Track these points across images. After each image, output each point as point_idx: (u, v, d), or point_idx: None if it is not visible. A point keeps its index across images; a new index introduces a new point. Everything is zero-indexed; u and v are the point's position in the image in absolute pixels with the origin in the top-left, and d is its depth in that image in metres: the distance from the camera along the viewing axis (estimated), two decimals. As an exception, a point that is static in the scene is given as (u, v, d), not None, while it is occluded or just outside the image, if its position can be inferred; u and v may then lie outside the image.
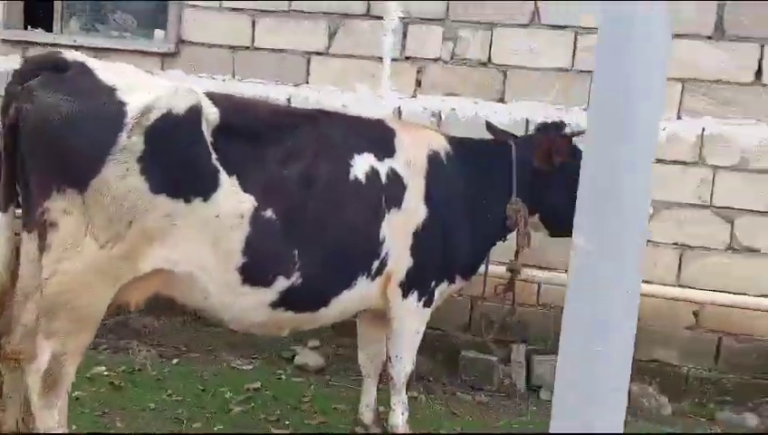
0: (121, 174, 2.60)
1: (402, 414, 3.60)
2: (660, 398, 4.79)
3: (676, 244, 4.82)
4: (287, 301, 3.00)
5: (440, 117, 5.00)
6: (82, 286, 2.65)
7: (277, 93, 5.20)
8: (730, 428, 4.55)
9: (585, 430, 1.52)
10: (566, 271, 4.67)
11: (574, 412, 1.56)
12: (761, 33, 4.56)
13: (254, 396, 4.29)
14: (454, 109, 4.96)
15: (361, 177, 3.14)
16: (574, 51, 4.80)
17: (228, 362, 4.87)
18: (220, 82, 5.20)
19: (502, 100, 4.90)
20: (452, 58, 4.95)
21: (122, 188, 2.60)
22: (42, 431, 2.73)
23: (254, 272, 2.87)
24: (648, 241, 4.79)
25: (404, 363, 3.55)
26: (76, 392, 3.70)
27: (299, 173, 2.98)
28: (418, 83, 5.02)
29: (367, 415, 3.78)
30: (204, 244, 2.78)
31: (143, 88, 2.70)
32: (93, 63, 2.73)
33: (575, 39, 4.79)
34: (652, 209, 4.76)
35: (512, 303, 4.09)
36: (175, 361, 4.76)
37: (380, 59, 5.04)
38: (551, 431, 1.62)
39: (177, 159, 2.70)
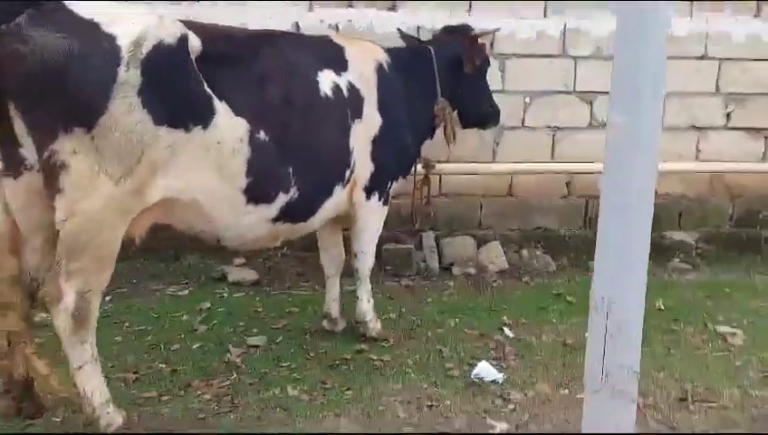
0: (127, 109, 2.64)
1: (368, 302, 4.07)
2: (546, 257, 5.71)
3: (548, 126, 5.61)
4: (286, 214, 3.26)
5: (337, 29, 5.22)
6: (101, 224, 2.72)
7: (171, 10, 5.04)
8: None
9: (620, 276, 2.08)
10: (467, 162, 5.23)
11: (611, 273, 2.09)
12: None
13: (209, 315, 4.47)
14: (350, 20, 5.20)
15: (329, 92, 3.40)
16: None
17: (162, 290, 4.93)
18: None
19: (393, 9, 5.23)
20: (343, -29, 5.14)
21: (130, 123, 2.66)
22: (77, 366, 2.81)
23: (257, 191, 3.09)
24: (526, 126, 5.57)
25: (368, 257, 3.99)
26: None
27: (279, 94, 3.18)
28: (313, -6, 5.17)
29: (334, 307, 4.18)
30: (208, 170, 2.93)
31: (125, 20, 2.71)
32: None
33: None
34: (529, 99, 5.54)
35: (427, 196, 4.65)
36: (108, 297, 4.73)
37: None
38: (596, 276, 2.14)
39: (173, 89, 2.78)
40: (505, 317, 4.47)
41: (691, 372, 3.73)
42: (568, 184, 5.76)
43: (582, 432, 2.29)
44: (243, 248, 3.85)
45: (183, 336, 4.09)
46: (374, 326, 4.05)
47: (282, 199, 3.20)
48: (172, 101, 2.76)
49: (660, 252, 5.84)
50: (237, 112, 2.98)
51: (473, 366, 3.70)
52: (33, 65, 2.50)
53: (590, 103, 5.61)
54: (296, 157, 3.20)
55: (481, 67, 4.17)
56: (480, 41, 4.18)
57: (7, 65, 2.51)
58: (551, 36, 5.44)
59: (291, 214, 3.29)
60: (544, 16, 5.42)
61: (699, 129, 5.75)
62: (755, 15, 5.58)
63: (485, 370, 3.62)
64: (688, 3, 5.51)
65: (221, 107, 2.92)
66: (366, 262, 3.99)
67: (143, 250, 4.93)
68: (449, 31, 4.33)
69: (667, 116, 5.66)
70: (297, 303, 4.70)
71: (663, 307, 4.72)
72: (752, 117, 5.76)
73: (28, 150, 2.68)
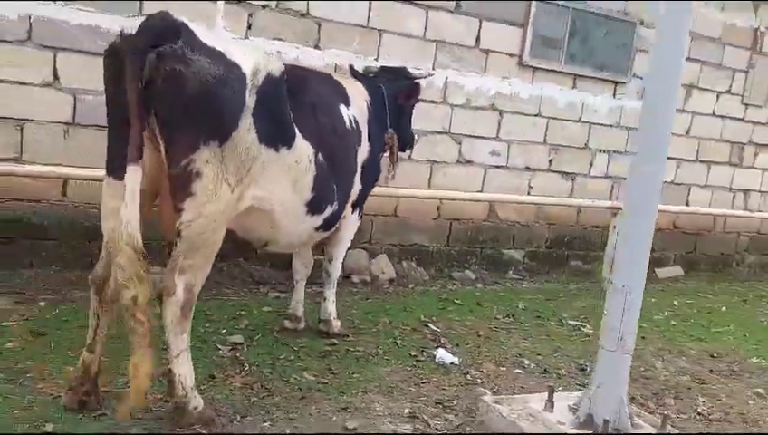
0: (248, 127, 3.10)
1: (333, 303, 4.71)
2: (419, 269, 6.80)
3: (428, 160, 6.74)
4: (324, 224, 3.85)
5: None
6: (216, 225, 3.10)
7: (109, 23, 5.13)
8: (462, 281, 6.84)
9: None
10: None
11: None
12: (479, 10, 6.63)
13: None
14: (279, 51, 5.76)
15: (347, 123, 4.06)
16: (369, 11, 6.10)
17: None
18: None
19: (317, 46, 5.92)
20: (276, 6, 5.70)
21: (248, 140, 3.11)
22: (176, 353, 3.09)
23: (315, 204, 3.65)
24: (411, 159, 6.62)
25: (340, 263, 4.65)
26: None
27: (326, 122, 3.78)
28: (249, 27, 5.64)
29: (299, 308, 4.72)
30: (286, 184, 3.43)
31: (240, 51, 3.15)
32: (192, 25, 3.04)
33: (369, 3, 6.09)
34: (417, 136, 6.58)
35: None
36: (64, 306, 4.65)
37: (214, 0, 5.45)
38: (617, 273, 3.25)
39: (274, 114, 3.27)
40: (421, 316, 5.42)
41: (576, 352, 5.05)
42: (438, 208, 6.93)
43: (596, 383, 3.35)
44: (280, 251, 4.23)
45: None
46: (336, 324, 4.69)
47: (328, 211, 3.79)
48: (271, 124, 3.24)
49: (500, 265, 7.34)
50: (305, 137, 3.53)
51: (430, 352, 4.57)
52: (193, 85, 2.84)
53: (460, 143, 6.87)
54: (337, 176, 3.82)
55: (414, 102, 5.04)
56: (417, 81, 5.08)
57: (168, 83, 2.81)
58: (437, 86, 6.58)
59: (327, 224, 3.89)
60: (433, 69, 6.54)
61: (532, 169, 7.36)
62: (572, 87, 7.37)
63: (444, 355, 4.52)
64: (530, 73, 7.08)
65: (297, 131, 3.46)
66: (338, 267, 4.65)
67: (53, 259, 5.01)
68: (387, 71, 5.09)
69: (509, 159, 7.19)
70: (241, 307, 5.09)
71: (524, 307, 6.07)
72: (564, 163, 7.55)
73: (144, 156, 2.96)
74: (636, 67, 7.67)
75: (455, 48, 6.61)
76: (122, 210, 2.83)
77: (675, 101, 3.24)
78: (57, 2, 4.98)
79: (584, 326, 5.70)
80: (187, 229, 3.00)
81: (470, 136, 6.91)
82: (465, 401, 3.87)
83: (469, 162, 6.97)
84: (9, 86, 4.96)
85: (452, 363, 4.45)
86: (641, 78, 7.75)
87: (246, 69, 3.08)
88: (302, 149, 3.48)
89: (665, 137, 3.19)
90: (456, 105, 6.76)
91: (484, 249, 7.25)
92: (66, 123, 5.18)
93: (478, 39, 6.72)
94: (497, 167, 7.14)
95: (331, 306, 4.69)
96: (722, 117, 8.54)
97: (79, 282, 5.09)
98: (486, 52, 6.78)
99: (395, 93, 4.86)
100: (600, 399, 3.29)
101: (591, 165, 7.75)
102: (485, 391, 4.05)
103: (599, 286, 7.18)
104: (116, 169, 2.96)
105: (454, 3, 6.49)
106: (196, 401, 3.18)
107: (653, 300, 7.00)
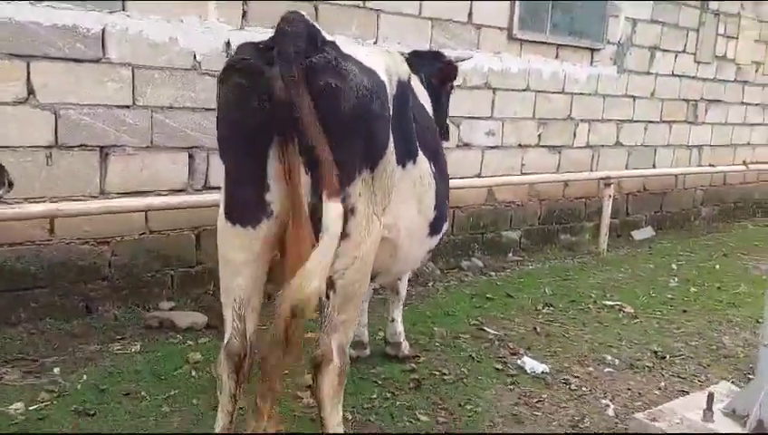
0: (391, 148, 2.55)
1: (402, 323, 4.23)
2: (429, 264, 6.38)
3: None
4: (436, 246, 3.33)
5: (266, 50, 5.04)
6: (369, 269, 2.56)
7: (89, 22, 4.26)
8: (472, 270, 6.52)
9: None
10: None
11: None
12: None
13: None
14: (278, 42, 5.07)
15: (432, 121, 3.53)
16: None
17: (106, 349, 4.16)
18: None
19: (316, 33, 5.27)
20: (271, -10, 5.00)
21: (392, 160, 2.58)
22: (332, 429, 2.55)
23: (437, 223, 3.13)
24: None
25: (407, 280, 4.16)
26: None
27: (424, 125, 3.24)
28: (244, 15, 4.91)
29: (364, 334, 4.18)
30: (412, 205, 2.91)
31: (367, 53, 2.59)
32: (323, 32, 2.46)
33: (366, -20, 5.50)
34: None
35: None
36: (85, 369, 3.86)
37: (206, -14, 4.68)
38: None
39: (404, 125, 2.74)
40: (467, 318, 5.05)
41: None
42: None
43: (755, 378, 3.14)
44: (380, 284, 3.66)
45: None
46: (406, 345, 4.23)
47: (443, 230, 3.28)
48: (402, 137, 2.71)
49: (500, 248, 7.08)
50: (421, 146, 3.00)
51: (514, 363, 4.22)
52: (350, 102, 2.26)
53: (459, 126, 6.47)
54: (445, 186, 3.31)
55: (451, 88, 4.55)
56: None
57: (323, 101, 2.21)
58: (435, 67, 6.11)
59: (437, 246, 3.37)
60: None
61: (523, 147, 7.11)
62: (555, 58, 7.15)
63: (532, 364, 4.18)
64: (518, 46, 6.77)
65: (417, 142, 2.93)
66: (406, 284, 4.16)
67: (45, 309, 4.20)
68: (420, 55, 4.56)
69: (503, 138, 6.89)
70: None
71: (551, 292, 5.85)
72: (551, 137, 7.36)
73: (274, 195, 2.36)
74: (609, 33, 7.57)
75: (449, 24, 6.16)
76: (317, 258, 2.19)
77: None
78: (25, 0, 4.05)
79: (624, 307, 5.54)
80: (341, 279, 2.44)
81: (469, 117, 6.53)
82: (597, 418, 3.56)
83: (467, 145, 6.60)
84: (-26, 108, 4.01)
85: (543, 372, 4.13)
86: (615, 44, 7.68)
87: (384, 76, 2.52)
88: (423, 161, 2.97)
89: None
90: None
91: (485, 234, 6.95)
92: (47, 146, 4.27)
93: (470, 14, 6.31)
94: (493, 147, 6.82)
95: (399, 327, 4.21)
96: (679, 76, 8.68)
97: (84, 334, 4.33)
98: (479, 27, 6.39)
99: (433, 79, 4.37)
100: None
101: (575, 136, 7.62)
102: (608, 403, 3.76)
103: (596, 259, 7.11)
104: (246, 214, 2.35)
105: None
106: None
107: (651, 266, 7.04)
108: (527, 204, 7.34)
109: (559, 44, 7.11)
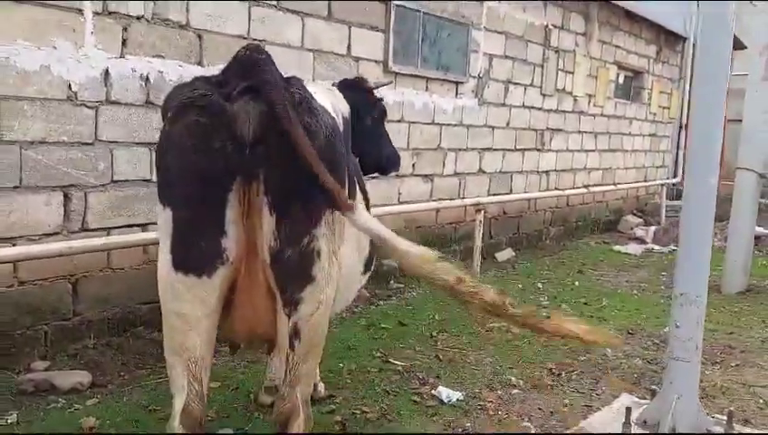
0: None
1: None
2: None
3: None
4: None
5: (148, 79, 4.72)
6: (329, 312, 2.43)
7: None
8: (359, 300, 6.49)
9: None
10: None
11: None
12: (350, 17, 6.27)
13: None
14: (160, 72, 4.78)
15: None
16: (249, 20, 5.36)
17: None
18: None
19: (200, 63, 5.03)
20: (153, 18, 4.70)
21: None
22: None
23: (369, 260, 3.20)
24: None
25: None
26: None
27: (357, 170, 3.21)
28: (124, 42, 4.55)
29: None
30: (352, 242, 2.85)
31: (316, 93, 2.52)
32: None
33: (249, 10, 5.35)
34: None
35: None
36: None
37: (81, 11, 4.28)
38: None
39: (349, 162, 2.69)
40: (353, 354, 5.01)
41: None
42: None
43: (663, 389, 3.40)
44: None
45: None
46: (321, 386, 4.08)
47: (372, 267, 3.23)
48: (348, 175, 2.65)
49: (382, 276, 7.14)
50: (357, 181, 2.95)
51: (425, 393, 4.25)
52: (321, 140, 2.16)
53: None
54: None
55: (380, 117, 4.45)
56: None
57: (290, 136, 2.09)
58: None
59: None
60: (312, 79, 6.01)
61: (401, 177, 7.26)
62: (425, 90, 7.41)
63: (446, 392, 4.23)
64: (392, 78, 6.93)
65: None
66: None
67: None
68: (346, 85, 4.43)
69: (380, 167, 6.97)
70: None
71: (438, 317, 5.99)
72: (424, 166, 7.59)
73: (230, 241, 2.20)
74: (471, 67, 7.99)
75: (330, 56, 6.16)
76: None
77: (722, 109, 3.34)
78: None
79: (509, 328, 5.78)
80: (306, 325, 2.31)
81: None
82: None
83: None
84: None
85: (459, 400, 4.20)
86: (475, 77, 8.12)
87: (335, 114, 2.45)
88: (358, 196, 2.91)
89: (717, 147, 3.31)
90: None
91: (367, 264, 6.96)
92: None
93: (349, 47, 6.36)
94: (373, 177, 6.87)
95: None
96: (528, 108, 9.36)
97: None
98: (357, 59, 6.46)
99: (367, 112, 4.21)
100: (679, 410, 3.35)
101: (444, 165, 7.91)
102: (528, 425, 3.90)
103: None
104: (201, 263, 2.15)
105: (326, 4, 6.03)
106: None
107: (520, 286, 7.46)
108: (403, 232, 7.46)
109: (429, 77, 7.38)
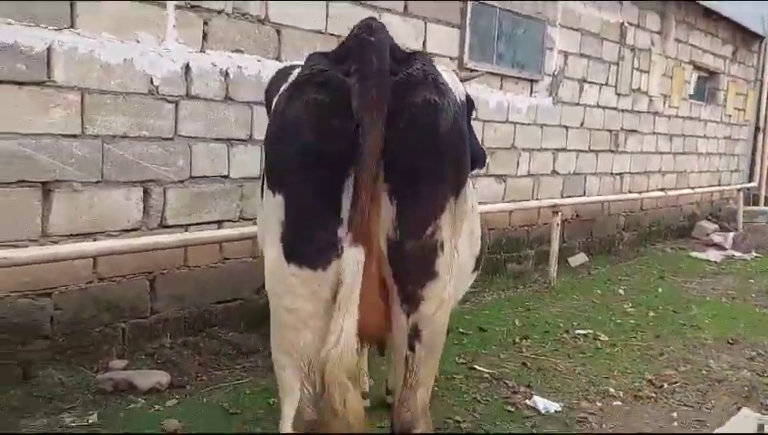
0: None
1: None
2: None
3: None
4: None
5: (227, 75, 4.60)
6: (449, 311, 2.20)
7: (32, 39, 3.66)
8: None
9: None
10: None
11: None
12: (425, 13, 6.06)
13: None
14: (240, 67, 4.65)
15: None
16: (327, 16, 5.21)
17: (55, 422, 3.52)
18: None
19: (278, 58, 4.89)
20: (234, 12, 4.58)
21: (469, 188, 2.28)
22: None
23: (480, 258, 2.89)
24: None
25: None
26: None
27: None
28: (205, 36, 4.45)
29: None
30: (466, 236, 2.59)
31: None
32: None
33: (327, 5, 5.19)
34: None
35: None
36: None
37: (164, 5, 4.19)
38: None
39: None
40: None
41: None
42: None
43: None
44: None
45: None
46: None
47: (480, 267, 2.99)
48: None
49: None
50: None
51: (518, 403, 3.97)
52: (448, 121, 1.95)
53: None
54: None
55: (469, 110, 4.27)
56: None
57: (421, 119, 1.87)
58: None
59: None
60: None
61: (473, 176, 6.98)
62: (500, 88, 7.14)
63: (542, 402, 3.94)
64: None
65: None
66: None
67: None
68: None
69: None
70: (261, 389, 3.99)
71: (518, 323, 5.69)
72: (497, 166, 7.31)
73: (347, 231, 1.98)
74: (546, 65, 7.68)
75: (405, 52, 5.95)
76: (339, 318, 1.84)
77: None
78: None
79: (597, 335, 5.45)
80: (428, 326, 2.08)
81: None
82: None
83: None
84: None
85: (557, 411, 3.94)
86: (550, 76, 7.80)
87: (457, 95, 2.22)
88: (472, 190, 2.67)
89: None
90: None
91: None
92: (-20, 183, 3.59)
93: (424, 42, 6.15)
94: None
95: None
96: (603, 107, 8.97)
97: (25, 405, 3.65)
98: (432, 55, 6.23)
99: None
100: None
101: (518, 165, 7.61)
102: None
103: (547, 287, 7.05)
104: (316, 254, 1.94)
105: (402, 3, 5.84)
106: None
107: (598, 292, 7.08)
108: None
109: (503, 75, 7.11)
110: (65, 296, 4.01)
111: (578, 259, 8.74)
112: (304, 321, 2.01)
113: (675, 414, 3.94)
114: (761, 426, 3.05)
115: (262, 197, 2.32)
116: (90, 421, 3.52)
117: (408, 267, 2.01)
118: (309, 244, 1.97)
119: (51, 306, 3.95)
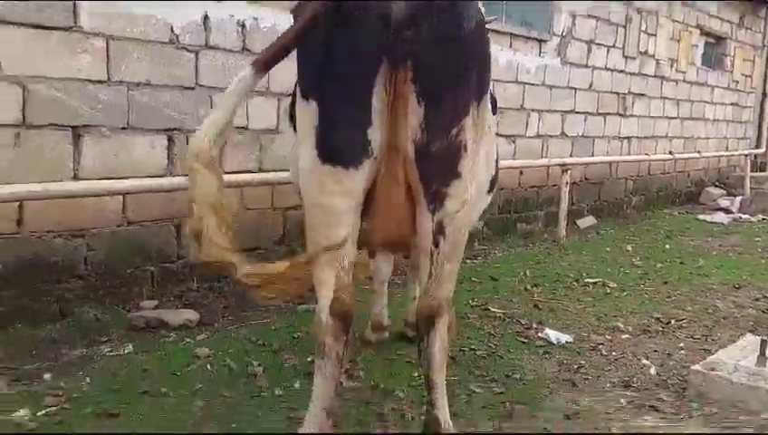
0: None
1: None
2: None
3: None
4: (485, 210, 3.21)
5: (244, 26, 4.74)
6: (473, 214, 2.36)
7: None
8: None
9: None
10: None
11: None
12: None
13: (220, 361, 3.63)
14: (256, 18, 4.78)
15: None
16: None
17: (95, 352, 3.69)
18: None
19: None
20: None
21: (489, 98, 2.42)
22: (440, 388, 2.33)
23: (494, 180, 3.08)
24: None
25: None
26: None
27: None
28: (225, -13, 4.58)
29: (384, 314, 3.96)
30: (482, 152, 2.71)
31: None
32: None
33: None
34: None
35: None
36: (47, 376, 3.36)
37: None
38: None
39: None
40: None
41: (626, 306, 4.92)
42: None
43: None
44: None
45: (262, 393, 3.27)
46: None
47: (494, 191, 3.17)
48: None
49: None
50: None
51: (531, 336, 4.13)
52: (473, 22, 2.09)
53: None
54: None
55: None
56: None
57: (449, 17, 2.01)
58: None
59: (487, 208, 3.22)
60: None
61: (484, 135, 7.10)
62: (509, 47, 7.24)
63: (555, 334, 4.10)
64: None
65: None
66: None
67: (14, 313, 3.72)
68: None
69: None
70: (286, 325, 4.17)
71: (529, 274, 5.84)
72: (506, 126, 7.42)
73: (375, 132, 2.13)
74: (554, 25, 7.77)
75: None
76: None
77: None
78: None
79: (607, 283, 5.61)
80: (451, 223, 2.23)
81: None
82: (643, 377, 3.52)
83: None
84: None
85: (568, 341, 4.08)
86: (559, 36, 7.89)
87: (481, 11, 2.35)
88: (491, 113, 2.79)
89: None
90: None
91: (452, 224, 6.85)
92: (15, 125, 3.75)
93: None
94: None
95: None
96: (611, 70, 9.05)
97: (64, 338, 3.81)
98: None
99: None
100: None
101: (527, 126, 7.73)
102: (646, 363, 3.74)
103: (557, 245, 7.19)
104: (349, 153, 2.09)
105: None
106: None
107: (607, 249, 7.21)
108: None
109: (513, 33, 7.20)
110: (97, 238, 4.18)
111: (586, 221, 8.87)
112: (338, 217, 2.16)
113: (681, 344, 4.10)
114: (763, 342, 3.20)
115: (294, 128, 2.48)
116: (126, 351, 3.69)
117: (434, 167, 2.16)
118: (341, 144, 2.12)
119: (84, 247, 4.12)
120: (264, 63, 2.14)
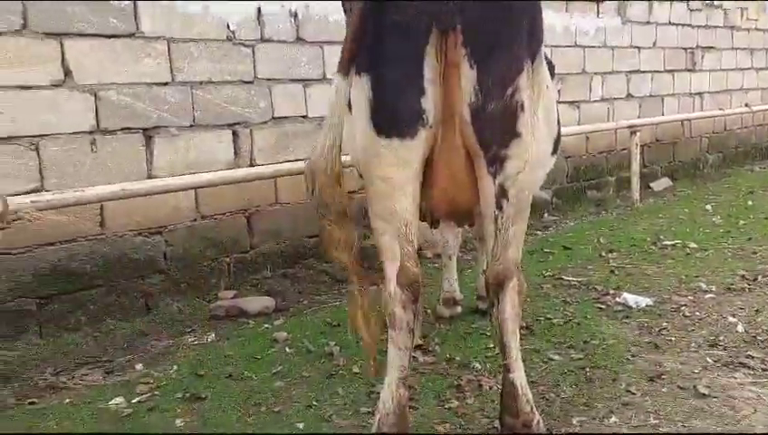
0: None
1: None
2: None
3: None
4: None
5: (296, 16, 4.80)
6: (536, 175, 2.33)
7: (121, -7, 3.94)
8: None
9: None
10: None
11: None
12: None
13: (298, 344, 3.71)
14: (307, 6, 4.84)
15: None
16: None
17: (180, 341, 3.85)
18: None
19: (344, -4, 5.03)
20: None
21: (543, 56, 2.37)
22: (516, 356, 2.32)
23: (557, 142, 2.92)
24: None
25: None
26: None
27: None
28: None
29: (457, 289, 3.96)
30: (542, 112, 2.64)
31: None
32: None
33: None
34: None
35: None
36: (138, 366, 3.52)
37: (232, -49, 4.41)
38: None
39: None
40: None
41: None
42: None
43: None
44: None
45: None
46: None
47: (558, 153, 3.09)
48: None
49: (533, 209, 6.88)
50: None
51: (609, 302, 4.03)
52: None
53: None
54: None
55: None
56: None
57: None
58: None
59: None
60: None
61: (546, 104, 6.95)
62: (566, 11, 7.04)
63: (633, 298, 3.99)
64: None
65: None
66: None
67: (104, 309, 3.88)
68: None
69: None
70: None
71: (603, 241, 5.69)
72: (568, 92, 7.24)
73: (429, 101, 2.12)
74: (612, -17, 7.51)
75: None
76: None
77: None
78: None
79: (686, 244, 5.41)
80: (514, 184, 2.21)
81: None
82: (731, 335, 3.40)
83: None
84: (11, 93, 3.64)
85: (648, 305, 3.98)
86: (618, -6, 7.62)
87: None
88: (548, 73, 2.73)
89: None
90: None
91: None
92: (90, 132, 3.94)
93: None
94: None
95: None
96: (675, 24, 8.66)
97: (151, 331, 3.99)
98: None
99: None
100: None
101: (590, 90, 7.51)
102: (733, 320, 3.59)
103: (631, 209, 6.98)
104: (404, 124, 2.10)
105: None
106: (539, 418, 2.41)
107: (686, 210, 6.94)
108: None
109: (568, -3, 7.00)
110: (174, 234, 4.35)
111: (661, 184, 8.56)
112: (398, 188, 2.17)
113: (770, 300, 3.92)
114: None
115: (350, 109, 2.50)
116: (209, 340, 3.84)
117: (492, 129, 2.13)
118: (396, 115, 2.13)
119: (162, 244, 4.30)
120: (347, 64, 2.15)
